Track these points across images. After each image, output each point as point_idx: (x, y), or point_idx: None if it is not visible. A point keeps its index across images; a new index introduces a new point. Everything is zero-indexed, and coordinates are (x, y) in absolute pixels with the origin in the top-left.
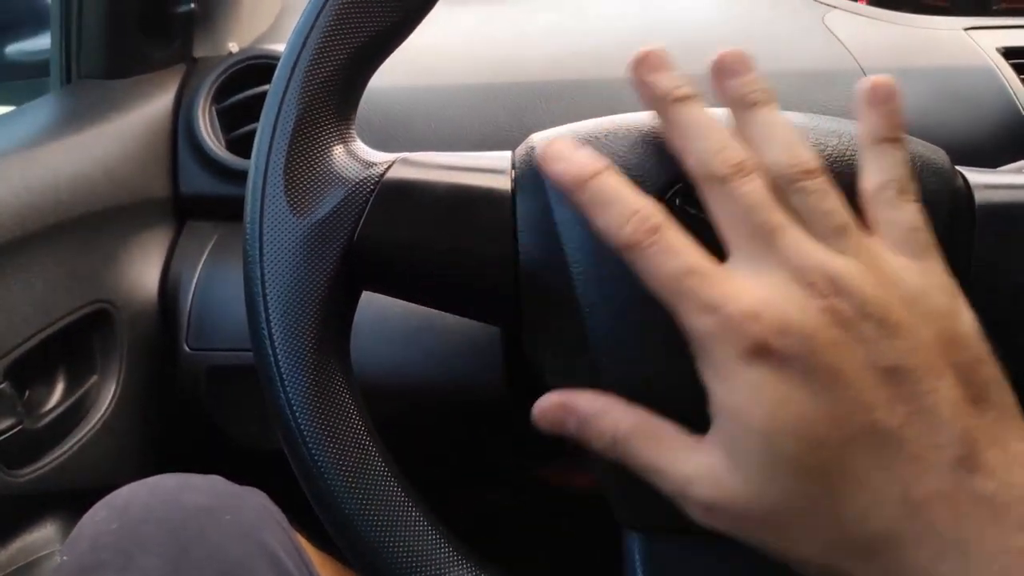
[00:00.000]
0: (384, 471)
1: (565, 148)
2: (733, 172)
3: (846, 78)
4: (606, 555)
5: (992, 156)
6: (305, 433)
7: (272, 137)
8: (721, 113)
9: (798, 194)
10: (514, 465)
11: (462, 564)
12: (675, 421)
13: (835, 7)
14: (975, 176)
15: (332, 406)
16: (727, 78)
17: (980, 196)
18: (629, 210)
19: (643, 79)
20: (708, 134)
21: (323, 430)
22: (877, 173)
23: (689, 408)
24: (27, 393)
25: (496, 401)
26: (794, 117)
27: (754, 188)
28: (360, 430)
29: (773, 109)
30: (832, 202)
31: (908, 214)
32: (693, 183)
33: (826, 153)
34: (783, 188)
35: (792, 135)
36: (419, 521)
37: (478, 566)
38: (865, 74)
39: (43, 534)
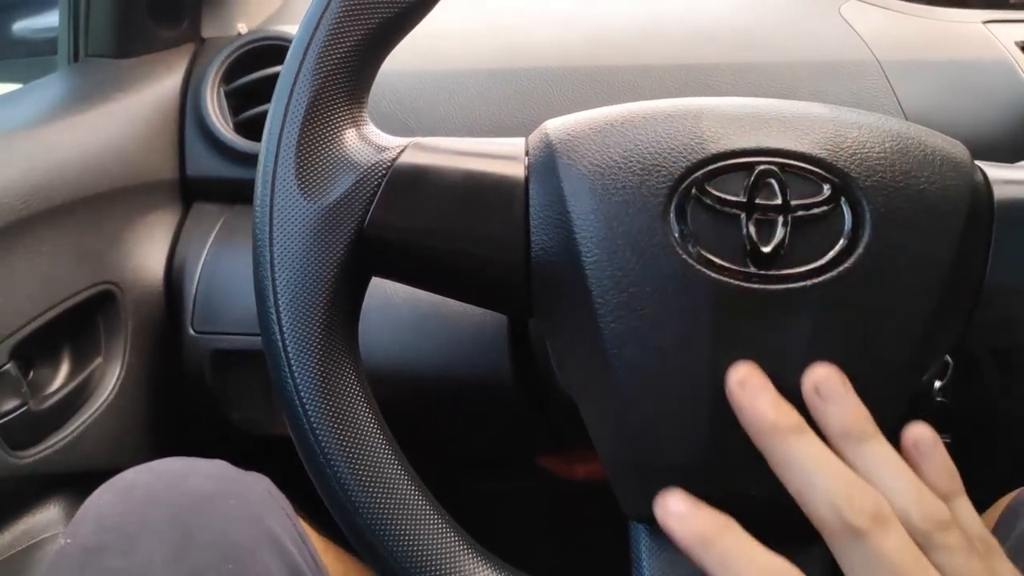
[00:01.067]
0: (389, 457)
1: (684, 506)
2: (872, 524)
3: (862, 69)
4: (611, 545)
5: (1011, 151)
6: (311, 417)
7: (284, 119)
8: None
9: (941, 552)
10: (519, 454)
11: (465, 552)
12: (687, 413)
13: None
14: (994, 171)
15: (339, 391)
16: (827, 403)
17: (999, 191)
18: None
19: (746, 406)
20: (832, 474)
21: (329, 415)
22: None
23: (701, 399)
24: (32, 374)
25: (502, 390)
26: (814, 108)
27: (899, 546)
28: (366, 416)
29: (883, 442)
30: (977, 564)
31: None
32: (819, 529)
33: (846, 144)
34: (920, 543)
35: (911, 476)
36: (423, 508)
37: (481, 554)
38: (881, 66)
39: (47, 516)
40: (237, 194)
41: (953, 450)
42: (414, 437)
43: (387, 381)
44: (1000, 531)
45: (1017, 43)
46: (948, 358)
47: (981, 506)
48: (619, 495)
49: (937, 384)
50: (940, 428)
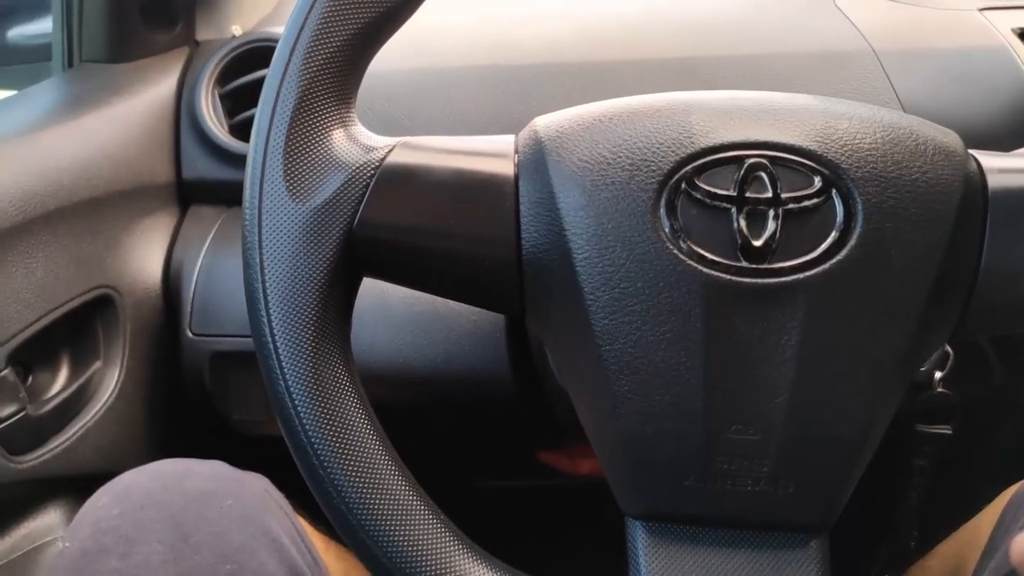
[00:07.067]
0: (382, 458)
1: None
2: None
3: (859, 60)
4: (608, 542)
5: (1007, 139)
6: (303, 420)
7: (271, 120)
8: (720, 96)
9: None
10: (519, 451)
11: (460, 551)
12: (680, 408)
13: None
14: (988, 160)
15: (331, 393)
16: None
17: (993, 180)
18: None
19: None
20: None
21: (321, 417)
22: None
23: (693, 393)
24: (30, 379)
25: (499, 388)
26: (804, 100)
27: None
28: (359, 417)
29: None
30: None
31: None
32: None
33: (836, 136)
34: None
35: None
36: (417, 507)
37: (477, 553)
38: (877, 55)
39: (46, 520)
40: (233, 196)
41: (954, 442)
42: (414, 437)
43: (385, 381)
44: (1005, 524)
45: (1014, 30)
46: (949, 349)
47: (983, 499)
48: (616, 492)
49: (938, 375)
50: (941, 419)
